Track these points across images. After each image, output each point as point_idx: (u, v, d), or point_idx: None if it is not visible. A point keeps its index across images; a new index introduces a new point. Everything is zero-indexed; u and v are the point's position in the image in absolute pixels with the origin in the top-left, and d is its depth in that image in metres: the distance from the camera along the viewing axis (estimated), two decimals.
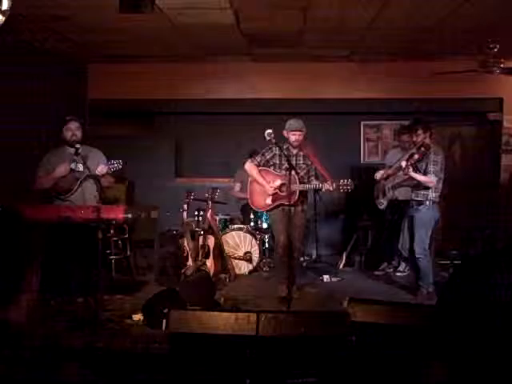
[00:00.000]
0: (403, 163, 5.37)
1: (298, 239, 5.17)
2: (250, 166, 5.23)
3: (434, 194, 5.17)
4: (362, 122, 7.91)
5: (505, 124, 7.34)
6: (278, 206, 5.15)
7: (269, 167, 5.20)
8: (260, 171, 5.20)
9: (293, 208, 4.87)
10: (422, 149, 5.27)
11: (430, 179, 5.15)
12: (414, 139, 5.38)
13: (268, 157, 5.17)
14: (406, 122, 7.15)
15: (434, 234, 5.47)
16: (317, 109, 7.37)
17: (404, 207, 5.86)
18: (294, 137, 5.06)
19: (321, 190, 5.08)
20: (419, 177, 5.21)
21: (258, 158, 5.21)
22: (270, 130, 4.80)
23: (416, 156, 5.33)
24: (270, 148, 5.16)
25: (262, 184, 5.16)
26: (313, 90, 7.34)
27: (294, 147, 5.14)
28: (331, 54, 6.69)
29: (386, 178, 6.26)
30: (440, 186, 5.19)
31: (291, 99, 7.38)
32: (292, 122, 5.09)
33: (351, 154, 7.78)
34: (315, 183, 5.10)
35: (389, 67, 7.14)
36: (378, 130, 7.94)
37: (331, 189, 4.92)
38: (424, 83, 6.99)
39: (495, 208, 6.95)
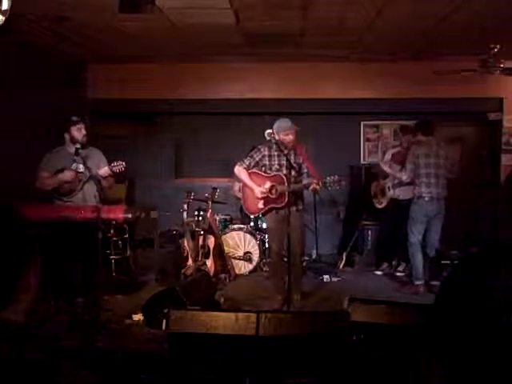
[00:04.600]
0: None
1: (296, 242, 4.80)
2: (238, 170, 4.94)
3: (417, 190, 5.41)
4: (362, 122, 7.90)
5: (505, 124, 7.34)
6: (270, 210, 4.88)
7: (260, 169, 4.95)
8: (250, 174, 4.93)
9: (286, 210, 4.58)
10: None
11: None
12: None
13: (257, 158, 4.91)
14: (406, 122, 7.18)
15: (435, 230, 5.53)
16: (317, 109, 7.37)
17: (405, 206, 5.86)
18: (287, 137, 4.75)
19: (307, 189, 4.76)
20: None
21: (247, 161, 4.92)
22: (270, 130, 4.75)
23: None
24: (259, 149, 4.93)
25: (252, 187, 4.88)
26: (313, 90, 7.33)
27: (288, 148, 4.87)
28: (331, 53, 6.69)
29: (386, 177, 6.28)
30: (420, 181, 5.38)
31: (291, 99, 7.37)
32: (281, 124, 4.79)
33: (351, 153, 7.77)
34: (303, 184, 4.81)
35: (389, 67, 7.13)
36: (378, 130, 7.94)
37: (318, 187, 4.66)
38: (424, 83, 6.99)
39: (495, 208, 6.95)
